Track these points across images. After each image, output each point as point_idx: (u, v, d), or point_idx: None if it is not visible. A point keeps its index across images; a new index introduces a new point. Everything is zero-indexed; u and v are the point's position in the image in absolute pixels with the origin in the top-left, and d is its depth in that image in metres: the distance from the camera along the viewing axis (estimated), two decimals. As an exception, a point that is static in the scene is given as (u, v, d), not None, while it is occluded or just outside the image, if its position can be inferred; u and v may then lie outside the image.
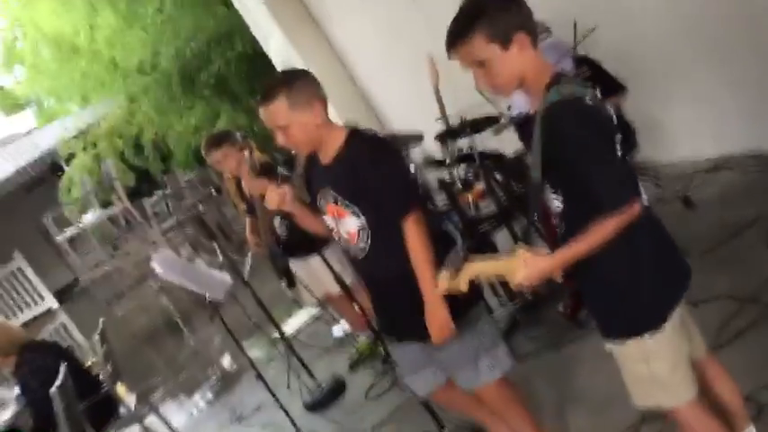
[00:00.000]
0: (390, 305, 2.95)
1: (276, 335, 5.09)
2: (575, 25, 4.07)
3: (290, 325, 6.62)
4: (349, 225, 2.80)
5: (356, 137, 2.79)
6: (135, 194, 13.63)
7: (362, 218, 2.75)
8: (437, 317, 2.69)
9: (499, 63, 2.06)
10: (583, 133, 1.99)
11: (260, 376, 4.40)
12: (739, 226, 4.04)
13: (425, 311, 2.71)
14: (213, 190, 5.17)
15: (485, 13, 2.03)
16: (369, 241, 2.79)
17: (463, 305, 2.77)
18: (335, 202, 2.80)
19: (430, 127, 5.16)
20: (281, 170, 2.92)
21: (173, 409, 6.78)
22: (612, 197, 1.98)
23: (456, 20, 2.09)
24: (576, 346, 3.90)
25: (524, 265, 2.05)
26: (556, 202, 2.15)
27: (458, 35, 2.07)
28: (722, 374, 2.45)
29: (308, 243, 3.99)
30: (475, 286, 2.98)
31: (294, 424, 4.44)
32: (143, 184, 15.37)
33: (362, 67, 8.18)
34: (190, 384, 7.20)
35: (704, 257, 3.80)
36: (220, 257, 4.92)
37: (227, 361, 7.24)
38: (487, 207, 4.83)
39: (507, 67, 2.07)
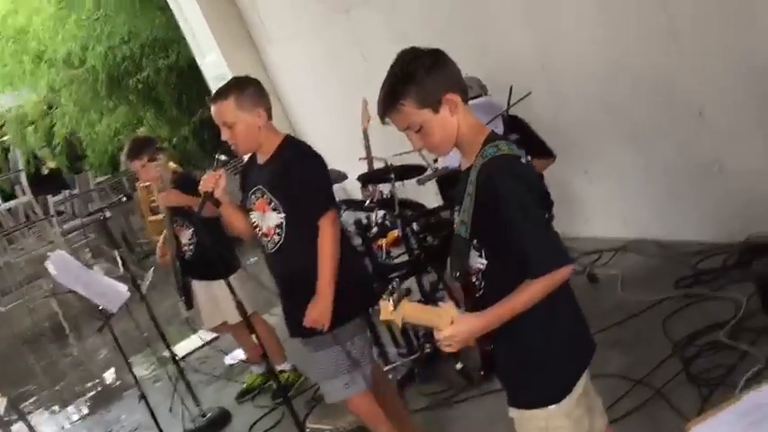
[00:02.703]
0: (290, 299, 3.27)
1: (166, 354, 4.92)
2: (510, 89, 4.16)
3: (183, 347, 6.41)
4: (270, 220, 3.14)
5: (291, 141, 3.23)
6: (40, 189, 13.11)
7: (282, 213, 3.10)
8: (321, 308, 3.04)
9: (432, 126, 2.09)
10: (519, 191, 2.00)
11: (143, 396, 4.22)
12: (638, 309, 4.16)
13: (313, 300, 3.04)
14: (122, 197, 5.02)
15: (412, 81, 2.05)
16: (283, 236, 3.12)
17: (345, 316, 3.12)
18: (263, 197, 3.14)
19: (353, 166, 5.15)
20: (220, 157, 3.12)
21: (44, 418, 6.45)
22: (542, 260, 1.98)
23: (385, 88, 2.10)
24: (468, 405, 3.88)
25: (451, 324, 2.02)
26: (479, 260, 2.13)
27: (388, 104, 2.09)
28: None
29: (212, 267, 3.83)
30: (356, 301, 3.26)
31: (170, 451, 4.27)
32: (55, 181, 14.82)
33: (294, 97, 8.16)
34: (66, 395, 6.88)
35: (602, 334, 3.88)
36: (121, 268, 4.75)
37: (110, 375, 6.96)
38: (399, 256, 4.83)
39: (441, 129, 2.10)
